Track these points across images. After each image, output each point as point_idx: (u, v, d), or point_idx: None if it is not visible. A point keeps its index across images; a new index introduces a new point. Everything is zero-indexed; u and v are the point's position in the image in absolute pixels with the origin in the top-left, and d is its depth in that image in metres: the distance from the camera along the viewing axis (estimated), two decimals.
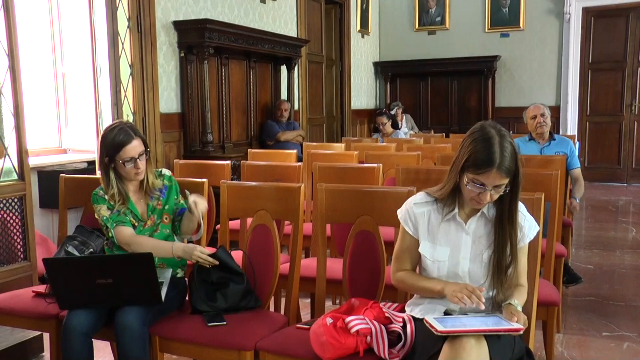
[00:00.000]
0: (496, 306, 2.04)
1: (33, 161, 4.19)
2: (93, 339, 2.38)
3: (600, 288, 4.31)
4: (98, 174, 4.41)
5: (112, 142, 2.52)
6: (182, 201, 2.71)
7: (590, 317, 3.74)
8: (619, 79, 9.03)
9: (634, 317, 3.72)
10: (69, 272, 2.33)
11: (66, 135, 5.49)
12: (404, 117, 9.12)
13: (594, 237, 5.93)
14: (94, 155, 4.82)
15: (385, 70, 10.03)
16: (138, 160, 2.53)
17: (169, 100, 5.25)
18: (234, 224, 3.42)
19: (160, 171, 2.73)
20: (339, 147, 5.22)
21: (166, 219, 2.67)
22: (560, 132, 8.79)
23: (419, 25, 9.93)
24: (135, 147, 2.52)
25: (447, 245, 2.09)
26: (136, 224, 2.60)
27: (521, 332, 1.91)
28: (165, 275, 2.50)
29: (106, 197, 2.59)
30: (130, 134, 2.53)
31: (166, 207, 2.67)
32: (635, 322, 3.64)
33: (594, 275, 4.62)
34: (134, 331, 2.27)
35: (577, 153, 4.66)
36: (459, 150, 2.04)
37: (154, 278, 2.30)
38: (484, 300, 1.93)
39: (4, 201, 3.13)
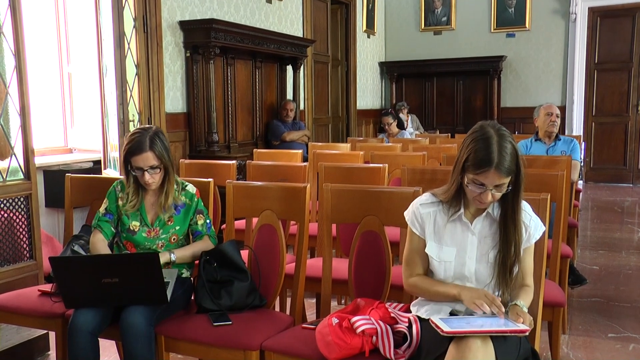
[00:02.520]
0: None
1: (39, 161, 4.20)
2: (99, 338, 2.38)
3: (606, 289, 4.30)
4: (104, 173, 4.43)
5: (127, 147, 2.52)
6: (200, 222, 2.66)
7: (596, 318, 3.72)
8: (624, 79, 9.00)
9: (639, 319, 3.71)
10: (75, 271, 2.33)
11: (72, 134, 5.51)
12: (410, 117, 9.13)
13: (600, 238, 5.91)
14: (100, 155, 4.85)
15: (391, 71, 10.03)
16: (146, 172, 2.50)
17: (174, 100, 5.26)
18: (240, 223, 3.42)
19: (185, 186, 2.66)
20: (344, 147, 5.22)
21: (174, 239, 2.62)
22: (566, 133, 8.77)
23: (424, 26, 9.92)
24: (144, 159, 2.48)
25: (453, 246, 2.09)
26: (137, 226, 2.59)
27: (527, 333, 1.91)
28: (171, 275, 2.50)
29: (120, 194, 2.62)
30: (143, 145, 2.47)
31: (177, 227, 2.62)
32: None
33: (600, 276, 4.60)
34: (140, 330, 2.27)
35: (580, 152, 4.66)
36: (460, 150, 2.04)
37: (160, 278, 2.30)
38: (504, 309, 1.93)
39: (10, 200, 3.14)
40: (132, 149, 2.49)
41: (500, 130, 1.99)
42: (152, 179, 2.52)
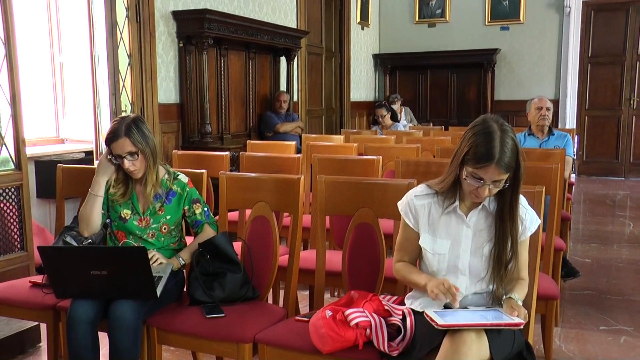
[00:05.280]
0: (496, 300, 2.03)
1: (30, 151, 4.16)
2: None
3: (598, 282, 4.32)
4: (96, 164, 4.40)
5: (106, 135, 2.52)
6: (197, 211, 2.64)
7: (588, 311, 3.74)
8: (618, 73, 9.02)
9: (631, 311, 3.73)
10: (64, 262, 2.31)
11: (64, 125, 5.47)
12: (403, 110, 9.11)
13: (592, 231, 5.94)
14: (92, 146, 4.81)
15: (385, 63, 10.01)
16: (125, 158, 2.48)
17: (167, 90, 5.23)
18: (233, 215, 3.41)
19: (177, 175, 2.65)
20: (338, 139, 5.21)
21: (165, 229, 2.60)
22: (559, 126, 8.79)
23: (419, 18, 9.90)
24: (120, 145, 2.47)
25: (448, 238, 2.08)
26: (129, 214, 2.57)
27: (522, 327, 1.91)
28: (165, 270, 2.48)
29: (112, 183, 2.61)
30: (119, 132, 2.47)
31: (168, 216, 2.60)
32: (633, 316, 3.64)
33: (592, 269, 4.62)
34: (127, 324, 2.26)
35: (574, 146, 4.67)
36: (460, 142, 2.02)
37: (148, 273, 2.27)
38: (458, 298, 1.93)
39: (1, 191, 3.12)
40: (109, 136, 2.50)
41: (503, 126, 1.97)
42: (133, 165, 2.50)
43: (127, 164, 2.49)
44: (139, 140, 2.49)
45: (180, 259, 2.58)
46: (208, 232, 2.63)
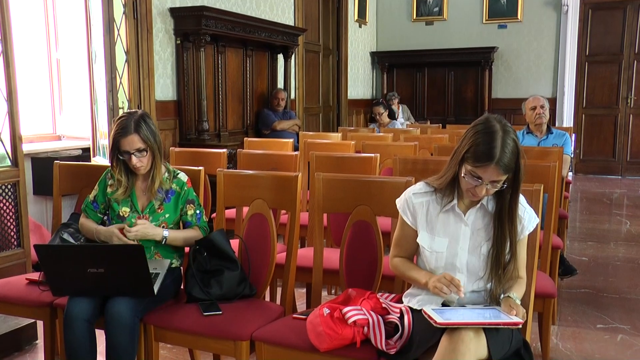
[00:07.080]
0: (494, 299, 2.03)
1: (27, 147, 4.16)
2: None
3: (595, 280, 4.32)
4: (93, 160, 4.38)
5: (114, 131, 2.50)
6: (189, 212, 2.62)
7: (585, 309, 3.74)
8: (615, 71, 9.04)
9: (627, 310, 3.73)
10: (60, 260, 2.31)
11: (60, 121, 5.46)
12: (401, 108, 9.12)
13: (589, 229, 5.94)
14: (89, 142, 4.80)
15: (382, 61, 10.00)
16: (133, 155, 2.47)
17: (164, 87, 5.21)
18: (230, 212, 3.40)
19: (177, 174, 2.63)
20: (335, 137, 5.20)
21: (163, 227, 2.58)
22: (557, 124, 8.80)
23: (416, 16, 9.90)
24: (130, 142, 2.45)
25: (446, 236, 2.08)
26: (127, 212, 2.56)
27: (520, 326, 1.90)
28: (162, 266, 2.47)
29: (109, 181, 2.59)
30: (129, 128, 2.45)
31: (167, 215, 2.58)
32: (629, 315, 3.65)
33: (589, 268, 4.63)
34: (124, 321, 2.25)
35: (571, 145, 4.68)
36: (461, 140, 2.02)
37: (145, 270, 2.26)
38: (462, 289, 1.93)
39: None
40: (118, 132, 2.47)
41: (506, 127, 1.96)
42: (140, 162, 2.49)
43: (135, 160, 2.47)
44: (147, 136, 2.48)
45: (166, 231, 2.53)
46: (197, 233, 2.62)
